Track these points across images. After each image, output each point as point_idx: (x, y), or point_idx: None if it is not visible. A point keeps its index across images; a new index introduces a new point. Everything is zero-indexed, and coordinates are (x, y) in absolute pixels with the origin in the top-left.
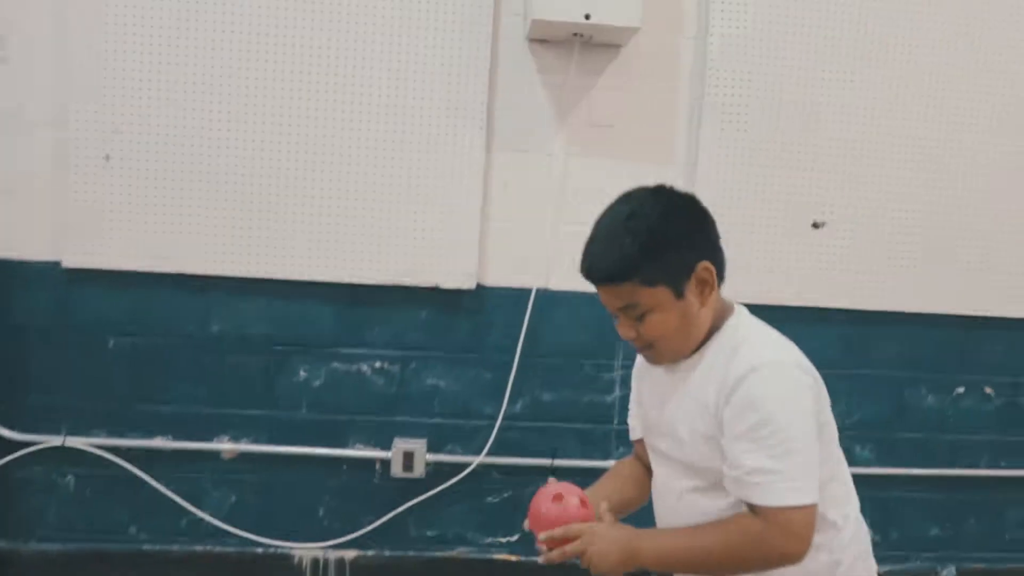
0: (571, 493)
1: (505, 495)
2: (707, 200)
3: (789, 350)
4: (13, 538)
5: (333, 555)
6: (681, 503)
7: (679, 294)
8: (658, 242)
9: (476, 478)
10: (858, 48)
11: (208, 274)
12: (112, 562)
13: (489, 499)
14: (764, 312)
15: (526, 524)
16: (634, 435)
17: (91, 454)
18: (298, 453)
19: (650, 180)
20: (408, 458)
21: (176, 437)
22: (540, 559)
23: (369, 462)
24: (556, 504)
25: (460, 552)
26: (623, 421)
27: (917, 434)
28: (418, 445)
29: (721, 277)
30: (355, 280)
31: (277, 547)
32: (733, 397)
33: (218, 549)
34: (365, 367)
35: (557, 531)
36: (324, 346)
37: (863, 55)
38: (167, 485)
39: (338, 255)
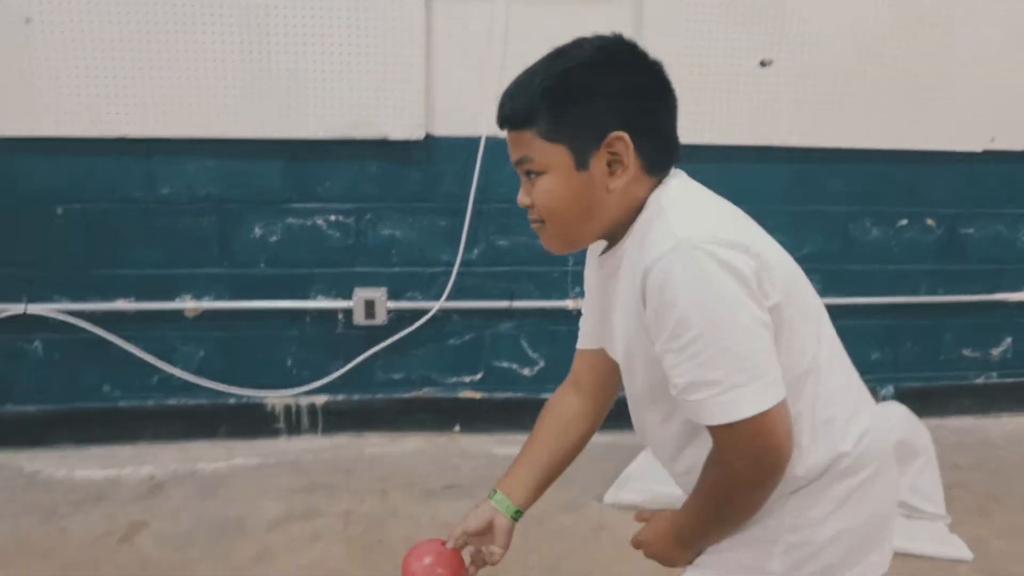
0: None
1: (466, 337)
2: (654, 40)
3: (709, 221)
4: None
5: (304, 401)
6: (654, 432)
7: (581, 163)
8: (568, 91)
9: (437, 323)
10: None
11: (150, 137)
12: (90, 420)
13: (451, 342)
14: (714, 152)
15: None
16: (580, 342)
17: (55, 320)
18: (261, 307)
19: (594, 21)
20: (370, 306)
21: (138, 299)
22: None
23: (332, 312)
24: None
25: (427, 392)
26: (578, 262)
27: (862, 265)
28: (379, 293)
29: (657, 161)
30: (302, 136)
31: (249, 396)
32: (648, 297)
33: (192, 402)
34: (320, 221)
35: None
36: (277, 202)
37: None
38: (135, 345)
39: (283, 111)
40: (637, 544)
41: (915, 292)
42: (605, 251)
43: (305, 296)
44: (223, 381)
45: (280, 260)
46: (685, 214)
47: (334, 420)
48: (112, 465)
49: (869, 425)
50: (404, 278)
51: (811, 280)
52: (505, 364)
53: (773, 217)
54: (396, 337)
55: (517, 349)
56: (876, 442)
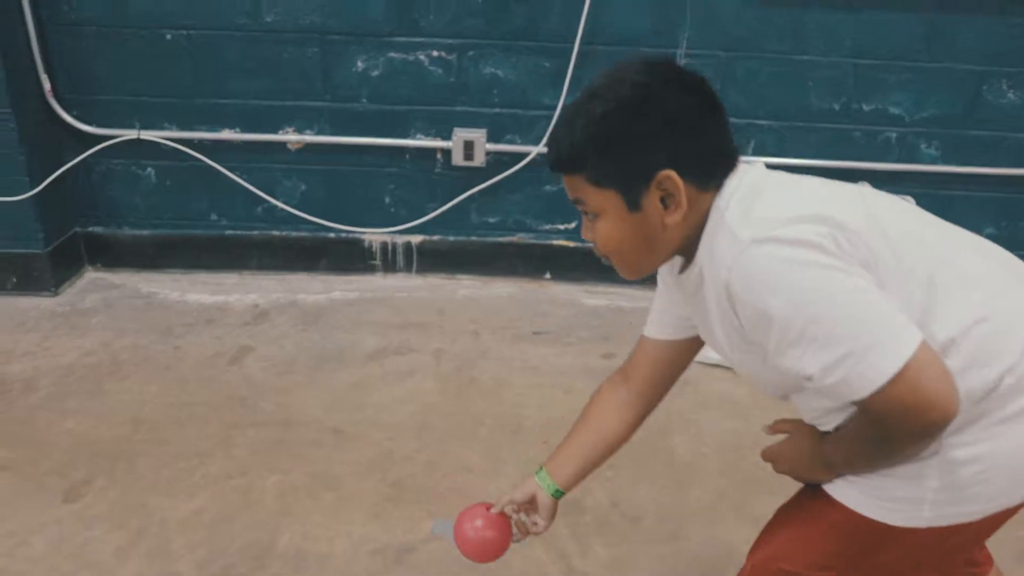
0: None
1: (563, 185)
2: None
3: (768, 206)
4: (107, 225)
5: (400, 240)
6: (798, 403)
7: (633, 205)
8: (609, 137)
9: (535, 168)
10: None
11: None
12: (199, 246)
13: (548, 188)
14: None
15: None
16: (647, 329)
17: (166, 147)
18: (361, 143)
19: None
20: (468, 147)
21: (243, 129)
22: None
23: (430, 151)
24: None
25: (520, 237)
26: None
27: (988, 132)
28: (478, 135)
29: (711, 178)
30: None
31: (348, 232)
32: (739, 312)
33: (293, 234)
34: (423, 56)
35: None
36: (380, 35)
37: None
38: (240, 175)
39: None
40: (771, 457)
41: None
42: (682, 269)
43: (405, 134)
44: (323, 216)
45: (381, 96)
46: (744, 211)
47: (428, 260)
48: (220, 292)
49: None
50: (504, 120)
51: (929, 145)
52: None
53: (897, 72)
54: (493, 180)
55: None
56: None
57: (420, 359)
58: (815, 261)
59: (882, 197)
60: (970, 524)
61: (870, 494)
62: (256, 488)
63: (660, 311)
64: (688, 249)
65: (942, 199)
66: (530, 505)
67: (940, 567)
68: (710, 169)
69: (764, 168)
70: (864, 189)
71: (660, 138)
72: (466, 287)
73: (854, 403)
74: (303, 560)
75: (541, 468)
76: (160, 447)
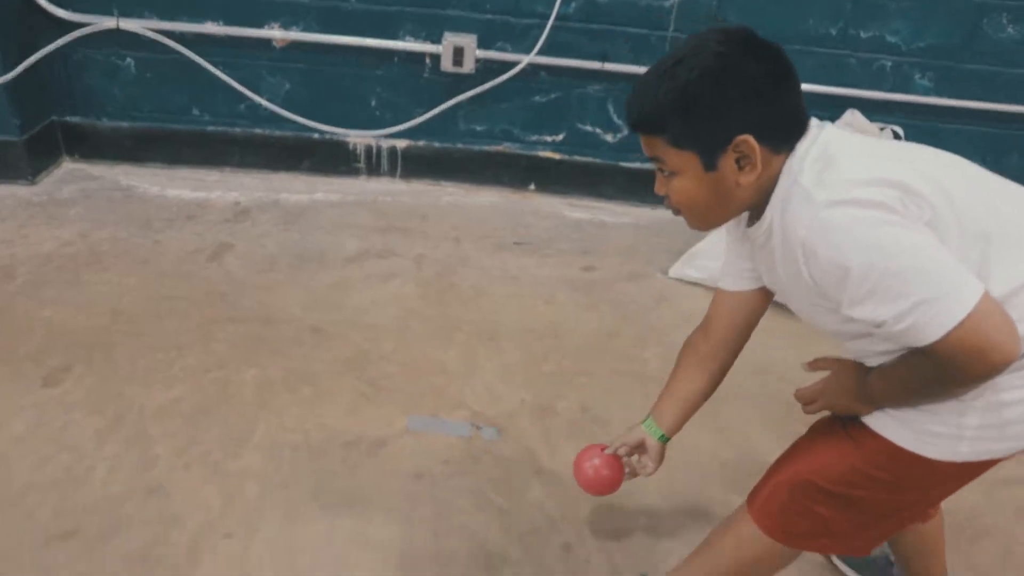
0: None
1: (553, 96)
2: None
3: (840, 169)
4: (85, 114)
5: (385, 143)
6: (853, 348)
7: (710, 165)
8: (692, 103)
9: (525, 77)
10: None
11: None
12: (179, 140)
13: (537, 98)
14: None
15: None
16: (723, 283)
17: (146, 38)
18: (349, 44)
19: None
20: (458, 53)
21: (226, 23)
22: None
23: (419, 56)
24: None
25: (506, 147)
26: (679, 28)
27: (984, 66)
28: (468, 40)
29: (784, 141)
30: None
31: (333, 133)
32: (812, 268)
33: (277, 133)
34: None
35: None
36: None
37: None
38: (223, 70)
39: None
40: (809, 397)
41: None
42: (750, 223)
43: (394, 36)
44: (308, 116)
45: None
46: (817, 174)
47: (412, 165)
48: (201, 188)
49: None
50: (496, 26)
51: (923, 76)
52: (588, 127)
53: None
54: (482, 88)
55: (603, 113)
56: None
57: (401, 263)
58: (886, 220)
59: (939, 155)
60: (995, 460)
61: (910, 427)
62: (234, 381)
63: (731, 264)
64: (758, 205)
65: (931, 131)
66: (640, 448)
67: (938, 500)
68: (784, 133)
69: (831, 129)
70: (922, 147)
71: (739, 105)
72: (450, 194)
73: (921, 348)
74: (279, 450)
75: (648, 416)
76: (138, 339)
